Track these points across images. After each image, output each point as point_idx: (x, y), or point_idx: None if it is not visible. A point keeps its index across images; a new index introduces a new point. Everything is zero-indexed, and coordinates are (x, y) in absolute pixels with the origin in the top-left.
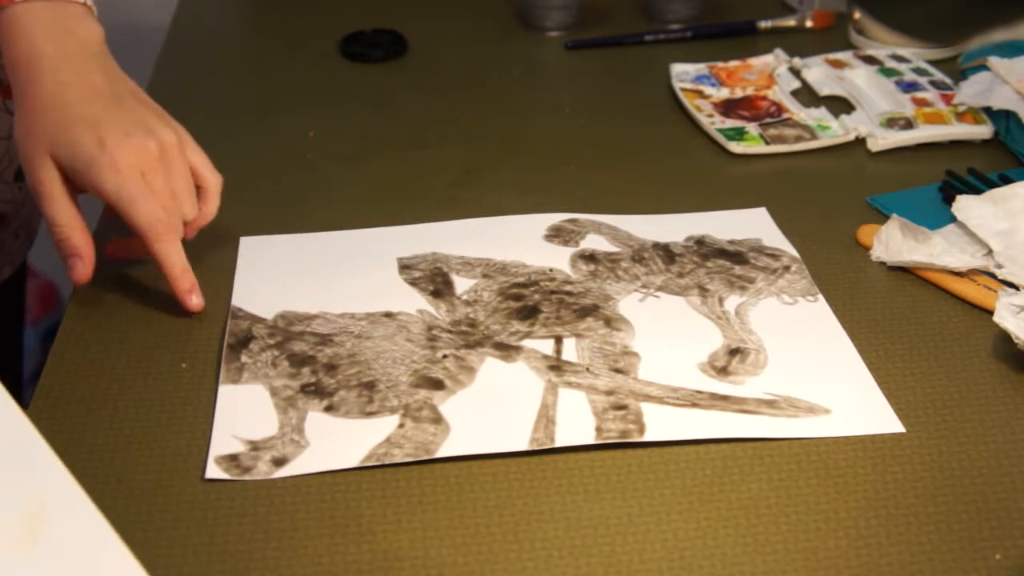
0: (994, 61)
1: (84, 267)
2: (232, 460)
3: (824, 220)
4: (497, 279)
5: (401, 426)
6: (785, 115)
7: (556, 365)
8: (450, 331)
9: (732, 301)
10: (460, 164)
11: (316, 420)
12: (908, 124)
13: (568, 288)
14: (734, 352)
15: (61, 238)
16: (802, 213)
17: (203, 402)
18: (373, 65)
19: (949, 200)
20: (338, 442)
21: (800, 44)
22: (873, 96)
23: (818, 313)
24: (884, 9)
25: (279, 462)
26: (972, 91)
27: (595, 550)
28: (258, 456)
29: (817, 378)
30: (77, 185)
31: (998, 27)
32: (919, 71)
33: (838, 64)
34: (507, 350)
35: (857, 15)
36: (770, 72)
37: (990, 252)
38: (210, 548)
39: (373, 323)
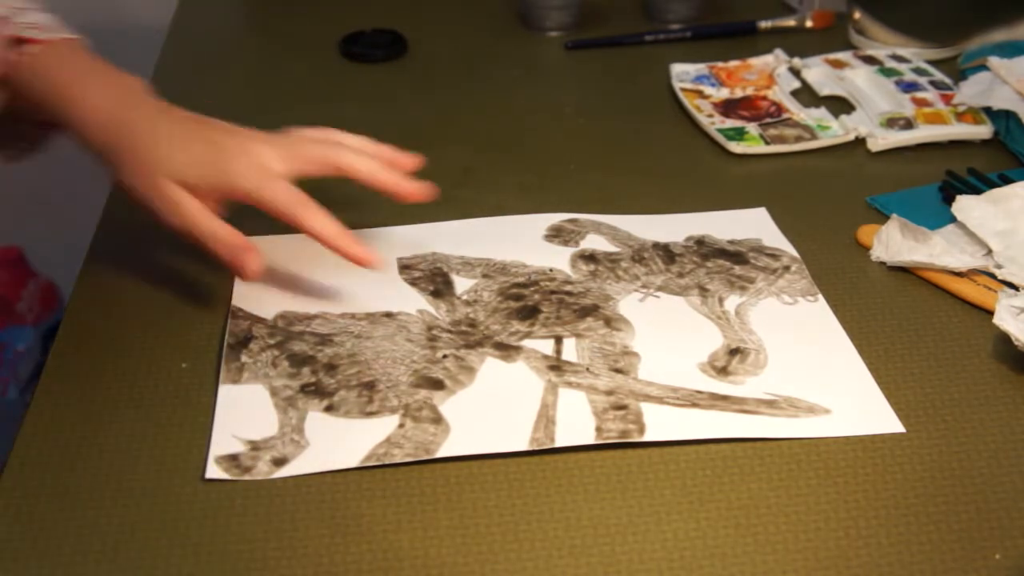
0: (994, 61)
1: (257, 256)
2: (232, 460)
3: (824, 220)
4: (497, 279)
5: (401, 426)
6: (785, 115)
7: (556, 365)
8: (450, 331)
9: (732, 301)
10: (460, 164)
11: (316, 420)
12: (908, 124)
13: (568, 288)
14: (734, 352)
15: (225, 243)
16: (802, 213)
17: (203, 402)
18: (373, 65)
19: (949, 200)
20: (338, 442)
21: (800, 44)
22: (873, 96)
23: (818, 313)
24: (884, 9)
25: (279, 462)
26: (972, 91)
27: (595, 550)
28: (258, 456)
29: (817, 378)
30: (205, 199)
31: (998, 27)
32: (919, 71)
33: (838, 64)
34: (507, 350)
35: (857, 15)
36: (770, 72)
37: (990, 252)
38: (210, 548)
39: (373, 323)
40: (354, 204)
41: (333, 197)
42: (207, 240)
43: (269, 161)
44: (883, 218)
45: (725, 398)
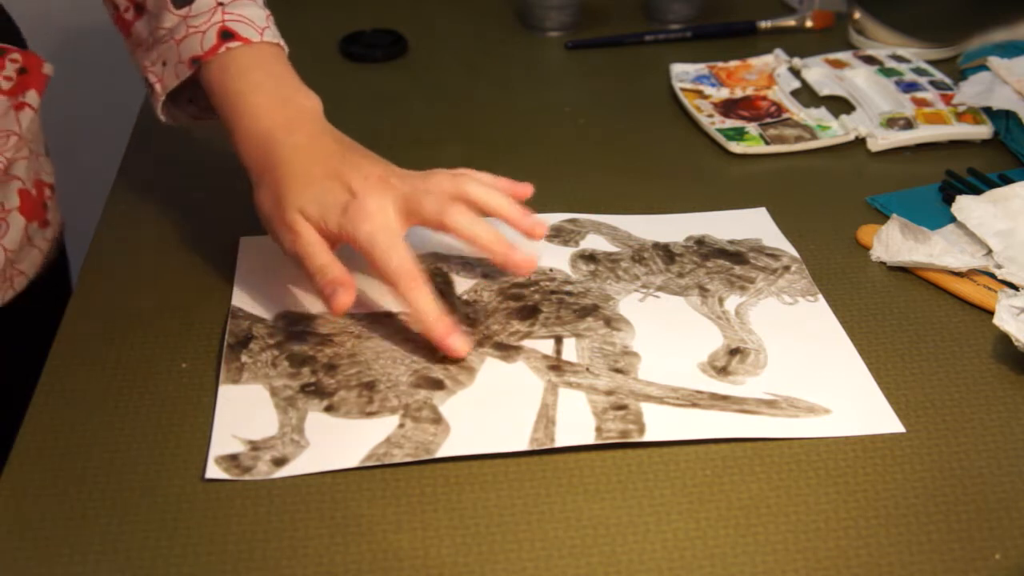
0: (994, 61)
1: (348, 294)
2: (232, 460)
3: (824, 220)
4: (497, 279)
5: (401, 426)
6: (785, 115)
7: (556, 365)
8: None
9: (732, 301)
10: (460, 164)
11: (316, 420)
12: (908, 124)
13: (568, 288)
14: (734, 352)
15: (327, 279)
16: (802, 213)
17: (203, 402)
18: (373, 65)
19: (949, 200)
20: (338, 442)
21: (800, 44)
22: (873, 96)
23: (818, 313)
24: (884, 9)
25: (279, 462)
26: (972, 91)
27: (595, 550)
28: (258, 456)
29: (817, 378)
30: (325, 237)
31: (998, 27)
32: (919, 71)
33: (838, 64)
34: (507, 350)
35: (857, 15)
36: (770, 72)
37: (990, 252)
38: (210, 548)
39: (373, 323)
40: None
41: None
42: (313, 273)
43: (393, 223)
44: (883, 218)
45: (725, 398)
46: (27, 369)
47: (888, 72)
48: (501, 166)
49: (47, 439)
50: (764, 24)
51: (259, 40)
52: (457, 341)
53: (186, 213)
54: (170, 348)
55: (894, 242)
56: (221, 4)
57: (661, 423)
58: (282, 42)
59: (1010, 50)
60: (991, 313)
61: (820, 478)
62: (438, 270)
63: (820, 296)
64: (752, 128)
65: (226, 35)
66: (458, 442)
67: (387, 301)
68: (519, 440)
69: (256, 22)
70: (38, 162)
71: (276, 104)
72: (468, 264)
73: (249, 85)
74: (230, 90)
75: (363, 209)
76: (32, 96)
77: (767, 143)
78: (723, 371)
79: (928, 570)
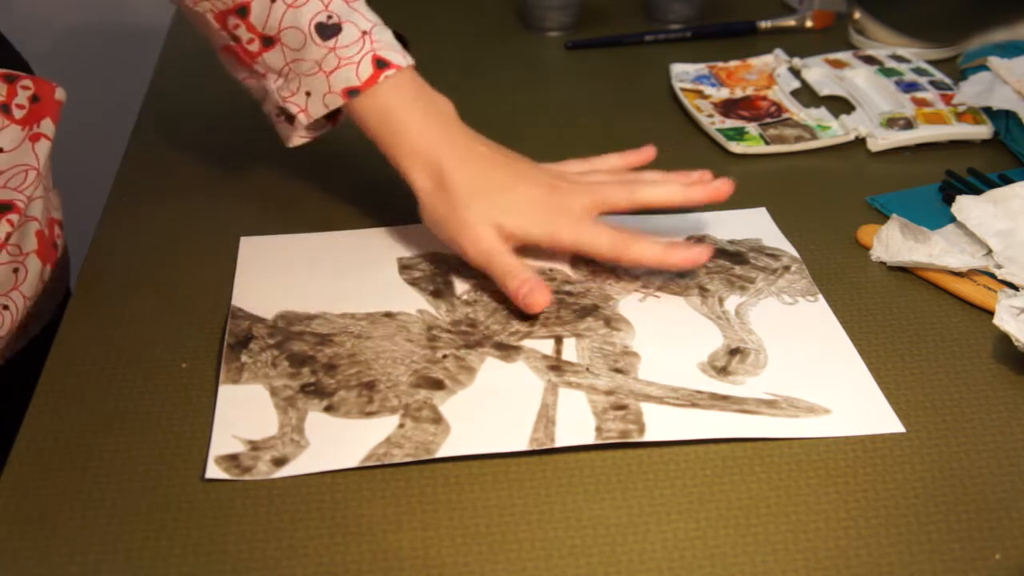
0: (994, 61)
1: (544, 293)
2: (232, 460)
3: (824, 220)
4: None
5: (401, 426)
6: (785, 115)
7: (556, 365)
8: (450, 331)
9: (732, 301)
10: None
11: (316, 420)
12: (908, 124)
13: (568, 288)
14: (734, 352)
15: (518, 280)
16: (802, 213)
17: (203, 402)
18: None
19: (949, 200)
20: (338, 442)
21: (800, 44)
22: (873, 96)
23: (818, 313)
24: (884, 9)
25: (279, 462)
26: (972, 91)
27: (595, 550)
28: (258, 456)
29: (817, 378)
30: (514, 242)
31: (998, 27)
32: (919, 71)
33: (838, 64)
34: (507, 350)
35: (857, 15)
36: (770, 72)
37: (990, 252)
38: (210, 548)
39: (373, 323)
40: (354, 204)
41: (333, 197)
42: (502, 277)
43: (582, 212)
44: (883, 218)
45: (725, 398)
46: (27, 370)
47: (888, 72)
48: None
49: (47, 439)
50: (764, 24)
51: (406, 64)
52: (689, 252)
53: (186, 213)
54: (170, 348)
55: (894, 242)
56: (365, 33)
57: (661, 423)
58: (411, 59)
59: (1010, 50)
60: (991, 313)
61: (820, 478)
62: (438, 270)
63: (820, 296)
64: (752, 128)
65: (380, 64)
66: (458, 442)
67: (387, 301)
68: (519, 440)
69: (395, 45)
70: (48, 197)
71: (432, 119)
72: (468, 264)
73: (405, 107)
74: (390, 114)
75: (557, 217)
76: (47, 125)
77: (767, 143)
78: (723, 371)
79: (928, 570)
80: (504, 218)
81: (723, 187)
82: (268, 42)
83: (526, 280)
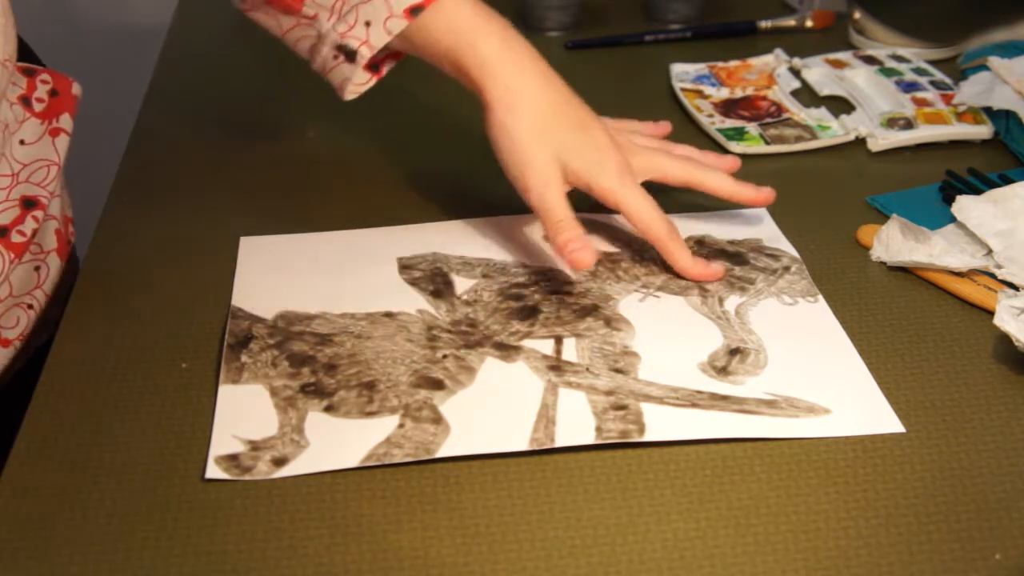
0: (994, 61)
1: (590, 251)
2: (232, 460)
3: (824, 220)
4: (497, 279)
5: (401, 426)
6: (785, 115)
7: (556, 365)
8: (450, 331)
9: (732, 301)
10: (460, 164)
11: (316, 420)
12: (908, 124)
13: (568, 288)
14: (734, 352)
15: (566, 234)
16: (802, 213)
17: (203, 402)
18: None
19: (949, 200)
20: (338, 442)
21: (800, 44)
22: (873, 96)
23: (818, 313)
24: (884, 9)
25: (279, 462)
26: (972, 91)
27: (595, 550)
28: (258, 456)
29: (817, 378)
30: (573, 184)
31: (998, 27)
32: (919, 71)
33: (838, 64)
34: (507, 350)
35: (857, 15)
36: (770, 72)
37: (990, 252)
38: (210, 548)
39: (373, 323)
40: (354, 204)
41: (333, 197)
42: (552, 226)
43: (636, 174)
44: (883, 218)
45: (725, 398)
46: (27, 370)
47: (888, 72)
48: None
49: (47, 439)
50: (764, 24)
51: None
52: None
53: (186, 213)
54: (170, 348)
55: (894, 242)
56: None
57: (661, 423)
58: None
59: (1010, 50)
60: (991, 313)
61: (820, 478)
62: (438, 270)
63: (820, 296)
64: (752, 128)
65: None
66: (458, 442)
67: (387, 301)
68: (519, 440)
69: None
70: (63, 195)
71: (502, 30)
72: (468, 264)
73: (473, 19)
74: (459, 28)
75: (618, 170)
76: (66, 120)
77: (767, 143)
78: (723, 371)
79: (928, 570)
80: (570, 158)
81: (769, 195)
82: None
83: (576, 237)
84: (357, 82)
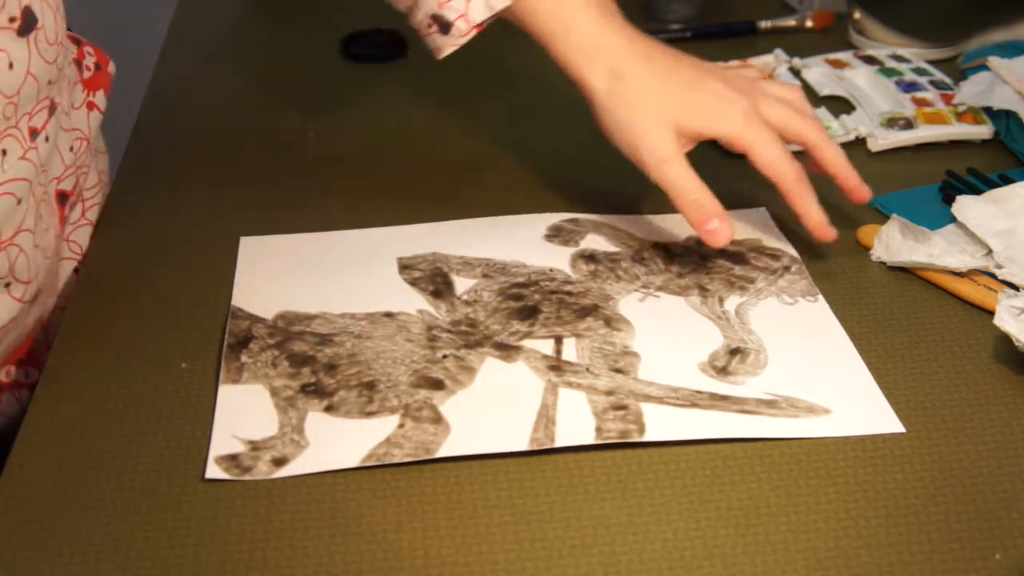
0: (994, 61)
1: (729, 226)
2: (232, 460)
3: None
4: (497, 279)
5: (401, 426)
6: None
7: (556, 365)
8: (450, 331)
9: (732, 301)
10: (460, 164)
11: (316, 420)
12: (908, 124)
13: (568, 288)
14: (734, 352)
15: (699, 207)
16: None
17: (203, 402)
18: (373, 65)
19: (949, 200)
20: (338, 442)
21: (800, 44)
22: (873, 96)
23: (818, 313)
24: (884, 9)
25: (279, 462)
26: (972, 91)
27: (595, 550)
28: (258, 456)
29: (817, 378)
30: (697, 139)
31: (998, 27)
32: (919, 71)
33: (838, 64)
34: (507, 350)
35: (857, 15)
36: (770, 72)
37: (990, 252)
38: (210, 548)
39: (373, 323)
40: (354, 204)
41: (333, 197)
42: (683, 203)
43: (759, 115)
44: (883, 218)
45: (725, 398)
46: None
47: (888, 72)
48: (502, 166)
49: (47, 439)
50: (764, 24)
51: None
52: (831, 229)
53: (186, 213)
54: (170, 348)
55: (894, 242)
56: None
57: (661, 423)
58: None
59: (1010, 50)
60: (991, 313)
61: (820, 478)
62: (438, 270)
63: (820, 296)
64: None
65: None
66: (458, 442)
67: (387, 301)
68: (519, 440)
69: None
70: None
71: (603, 13)
72: (468, 264)
73: (569, 3)
74: (555, 9)
75: (742, 114)
76: (100, 97)
77: None
78: (723, 371)
79: (928, 570)
80: (686, 119)
81: (867, 194)
82: None
83: (710, 214)
84: (452, 45)
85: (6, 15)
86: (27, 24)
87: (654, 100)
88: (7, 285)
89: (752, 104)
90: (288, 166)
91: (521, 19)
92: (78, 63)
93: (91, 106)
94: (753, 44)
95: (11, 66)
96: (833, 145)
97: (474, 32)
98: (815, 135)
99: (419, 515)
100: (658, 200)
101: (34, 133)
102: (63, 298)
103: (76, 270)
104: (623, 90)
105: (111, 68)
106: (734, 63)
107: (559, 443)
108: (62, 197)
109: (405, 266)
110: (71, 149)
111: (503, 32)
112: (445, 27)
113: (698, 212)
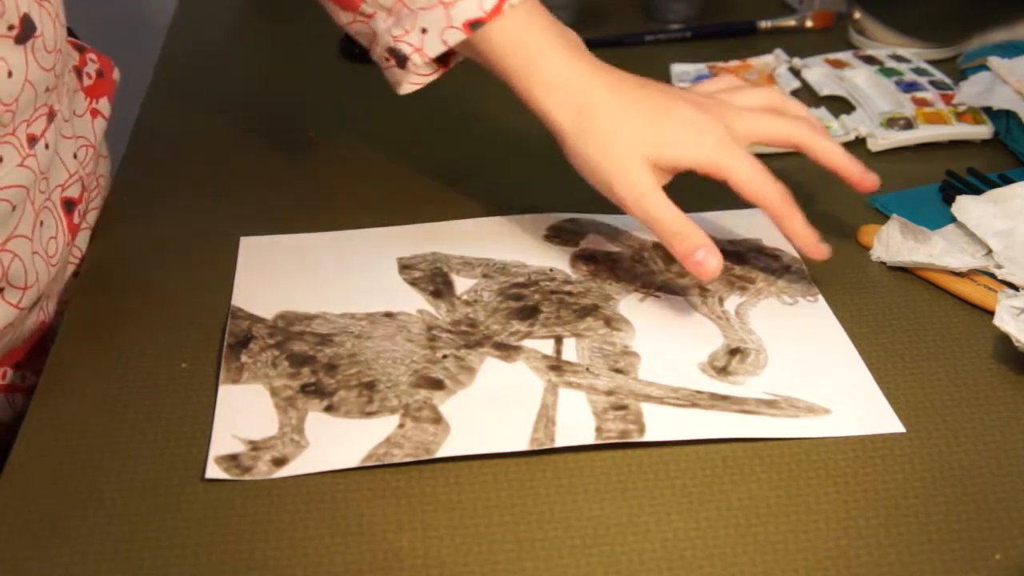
0: (994, 61)
1: (716, 256)
2: (232, 460)
3: (824, 220)
4: (497, 279)
5: (401, 426)
6: None
7: (556, 365)
8: (450, 331)
9: (732, 301)
10: (460, 164)
11: (316, 420)
12: (908, 124)
13: (568, 288)
14: (734, 352)
15: (684, 238)
16: (802, 213)
17: (203, 402)
18: (373, 65)
19: (949, 200)
20: (338, 442)
21: (800, 44)
22: (873, 96)
23: (818, 313)
24: (884, 9)
25: (279, 462)
26: (972, 91)
27: (595, 550)
28: (258, 456)
29: (817, 378)
30: (673, 171)
31: (998, 27)
32: (919, 71)
33: (838, 64)
34: (507, 350)
35: (857, 15)
36: (770, 72)
37: (990, 252)
38: (210, 548)
39: (373, 323)
40: (354, 204)
41: (333, 197)
42: (667, 235)
43: (735, 137)
44: (883, 218)
45: (725, 398)
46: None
47: (888, 72)
48: (501, 166)
49: (47, 439)
50: (764, 24)
51: None
52: (824, 247)
53: (186, 213)
54: (170, 348)
55: (894, 242)
56: None
57: (661, 423)
58: None
59: (1010, 50)
60: (991, 313)
61: (820, 478)
62: (438, 270)
63: (820, 296)
64: None
65: None
66: (458, 442)
67: (387, 301)
68: (519, 440)
69: None
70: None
71: (568, 48)
72: (468, 264)
73: (537, 36)
74: (524, 45)
75: (708, 133)
76: (104, 104)
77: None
78: (723, 371)
79: (928, 570)
80: (658, 150)
81: (875, 182)
82: None
83: (695, 245)
84: (411, 82)
85: (5, 23)
86: (25, 32)
87: (625, 134)
88: (0, 290)
89: (725, 127)
90: (288, 166)
91: (482, 55)
92: (78, 70)
93: (95, 113)
94: (753, 44)
95: (9, 74)
96: (825, 138)
97: (439, 72)
98: (802, 133)
99: (419, 515)
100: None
101: (33, 140)
102: (63, 302)
103: (75, 274)
104: (592, 127)
105: (115, 75)
106: (733, 63)
107: (559, 443)
108: (68, 204)
109: (405, 266)
110: (75, 156)
111: None
112: (401, 61)
113: (683, 244)
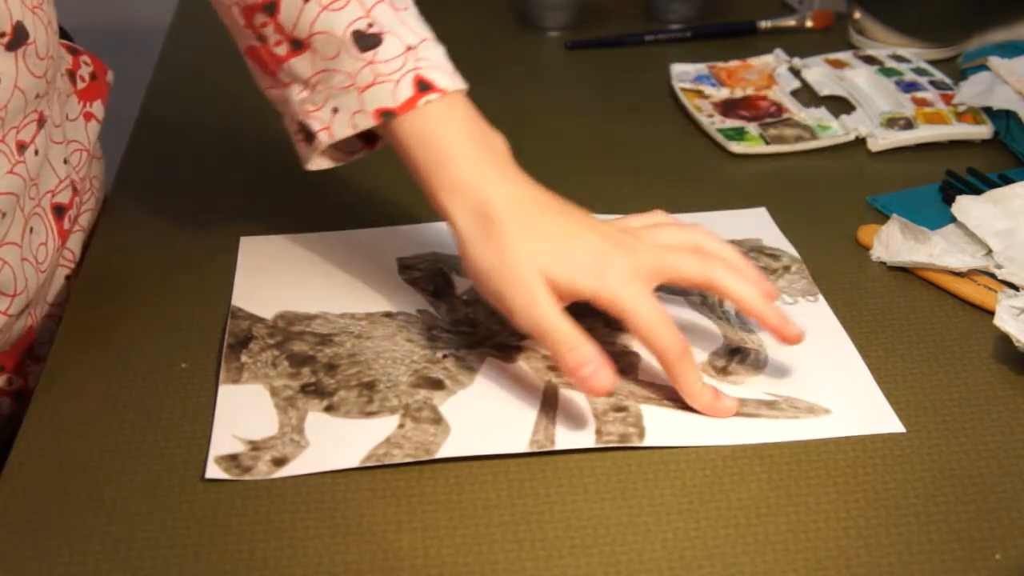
0: (994, 61)
1: (607, 372)
2: (232, 460)
3: (824, 220)
4: None
5: (401, 426)
6: (785, 115)
7: (556, 366)
8: (450, 331)
9: None
10: None
11: (316, 420)
12: (908, 124)
13: None
14: (734, 352)
15: (572, 350)
16: (802, 213)
17: (203, 402)
18: None
19: (949, 200)
20: (338, 442)
21: (800, 44)
22: (873, 96)
23: (818, 313)
24: (884, 9)
25: (279, 462)
26: (972, 91)
27: (595, 550)
28: (258, 456)
29: (817, 378)
30: (564, 297)
31: (998, 27)
32: (919, 71)
33: (838, 64)
34: (507, 350)
35: (857, 15)
36: (770, 72)
37: (990, 252)
38: (210, 548)
39: (373, 323)
40: (354, 204)
41: (333, 197)
42: (556, 348)
43: (643, 275)
44: (883, 218)
45: None
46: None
47: (888, 72)
48: None
49: (47, 439)
50: (764, 24)
51: (453, 89)
52: (727, 401)
53: (186, 213)
54: (170, 348)
55: (894, 242)
56: (411, 48)
57: (661, 425)
58: (463, 82)
59: (1010, 50)
60: (991, 313)
61: (820, 478)
62: (438, 270)
63: (820, 296)
64: (752, 128)
65: (423, 86)
66: (458, 442)
67: (387, 301)
68: (519, 442)
69: (444, 66)
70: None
71: (480, 152)
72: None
73: (449, 136)
74: (433, 143)
75: (614, 267)
76: (98, 107)
77: (767, 143)
78: (723, 371)
79: (928, 570)
80: (559, 270)
81: (798, 336)
82: (297, 46)
83: (583, 358)
84: (318, 161)
85: None
86: (18, 39)
87: (525, 247)
88: None
89: (636, 265)
90: (288, 166)
91: (392, 143)
92: (72, 74)
93: (88, 117)
94: (753, 44)
95: None
96: (742, 283)
97: (362, 153)
98: (719, 276)
99: (419, 515)
100: (659, 200)
101: (22, 147)
102: (54, 306)
103: (68, 277)
104: (492, 234)
105: (109, 77)
106: (733, 63)
107: (559, 446)
108: (59, 210)
109: (405, 266)
110: (66, 161)
111: (501, 33)
112: (309, 137)
113: (572, 355)
